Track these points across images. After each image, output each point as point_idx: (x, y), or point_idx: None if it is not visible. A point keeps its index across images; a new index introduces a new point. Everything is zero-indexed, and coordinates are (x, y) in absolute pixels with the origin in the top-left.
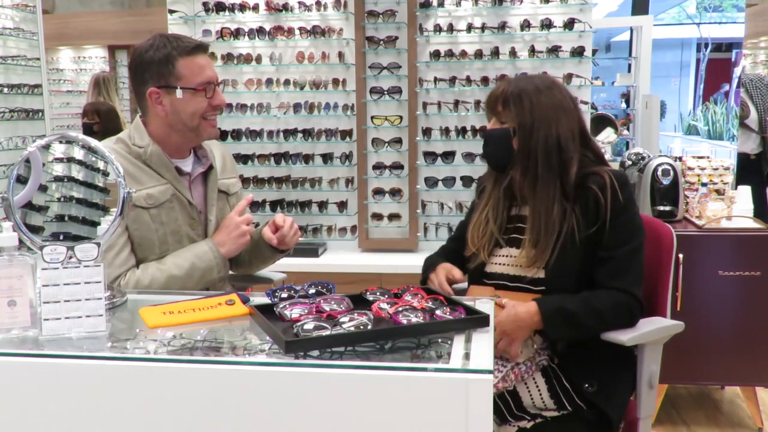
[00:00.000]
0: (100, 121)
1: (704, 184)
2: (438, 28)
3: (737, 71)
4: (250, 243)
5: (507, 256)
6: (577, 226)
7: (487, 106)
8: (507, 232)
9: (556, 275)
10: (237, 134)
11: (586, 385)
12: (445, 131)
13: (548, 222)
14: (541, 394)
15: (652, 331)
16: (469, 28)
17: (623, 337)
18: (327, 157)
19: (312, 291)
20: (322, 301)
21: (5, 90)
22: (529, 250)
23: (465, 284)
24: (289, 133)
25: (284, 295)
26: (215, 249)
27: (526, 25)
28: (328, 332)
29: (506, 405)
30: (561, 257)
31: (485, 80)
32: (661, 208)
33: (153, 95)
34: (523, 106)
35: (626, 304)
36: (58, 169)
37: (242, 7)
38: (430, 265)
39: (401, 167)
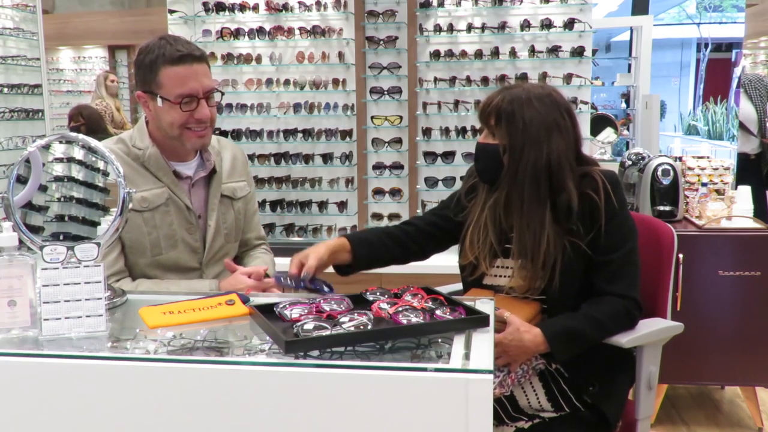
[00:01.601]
0: (85, 123)
1: (704, 184)
2: (438, 28)
3: (737, 71)
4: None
5: (502, 267)
6: (572, 235)
7: (480, 116)
8: (509, 240)
9: (556, 292)
10: (237, 134)
11: (591, 388)
12: (445, 131)
13: (536, 249)
14: (537, 397)
15: (650, 333)
16: (469, 28)
17: (622, 339)
18: (327, 157)
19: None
20: (322, 301)
21: (5, 90)
22: (520, 271)
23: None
24: (289, 133)
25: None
26: (216, 289)
27: (526, 25)
28: (328, 332)
29: (503, 408)
30: (563, 277)
31: (485, 80)
32: (661, 208)
33: (141, 98)
34: (515, 126)
35: (625, 309)
36: (58, 169)
37: (242, 7)
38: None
39: (401, 167)
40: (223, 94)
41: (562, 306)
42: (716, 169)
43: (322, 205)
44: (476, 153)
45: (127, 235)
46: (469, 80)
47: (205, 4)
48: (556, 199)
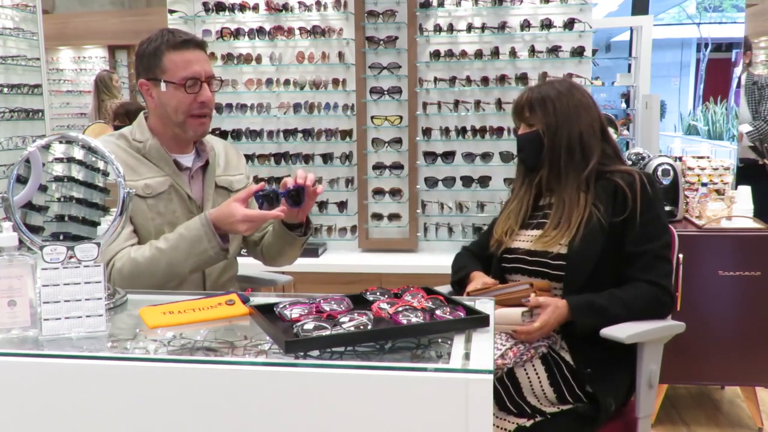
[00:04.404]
0: (130, 123)
1: (704, 184)
2: (438, 28)
3: (737, 71)
4: (274, 235)
5: (529, 234)
6: (600, 212)
7: (514, 114)
8: (534, 218)
9: (577, 252)
10: (237, 134)
11: (588, 369)
12: (445, 131)
13: (571, 208)
14: (540, 382)
15: (650, 330)
16: (469, 28)
17: (621, 334)
18: (327, 157)
19: None
20: (322, 301)
21: (5, 90)
22: (549, 230)
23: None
24: (289, 133)
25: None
26: (204, 218)
27: (526, 25)
28: (328, 332)
29: (506, 390)
30: (585, 237)
31: (485, 80)
32: None
33: (143, 86)
34: (548, 110)
35: (654, 294)
36: (58, 169)
37: (242, 7)
38: (462, 267)
39: (401, 167)
40: (222, 81)
41: (577, 286)
42: (716, 169)
43: (322, 205)
44: (518, 144)
45: (132, 220)
46: (469, 80)
47: (205, 4)
48: (586, 170)
